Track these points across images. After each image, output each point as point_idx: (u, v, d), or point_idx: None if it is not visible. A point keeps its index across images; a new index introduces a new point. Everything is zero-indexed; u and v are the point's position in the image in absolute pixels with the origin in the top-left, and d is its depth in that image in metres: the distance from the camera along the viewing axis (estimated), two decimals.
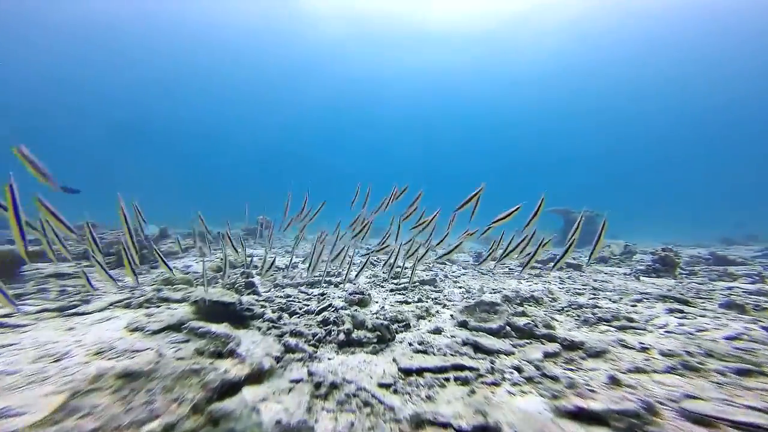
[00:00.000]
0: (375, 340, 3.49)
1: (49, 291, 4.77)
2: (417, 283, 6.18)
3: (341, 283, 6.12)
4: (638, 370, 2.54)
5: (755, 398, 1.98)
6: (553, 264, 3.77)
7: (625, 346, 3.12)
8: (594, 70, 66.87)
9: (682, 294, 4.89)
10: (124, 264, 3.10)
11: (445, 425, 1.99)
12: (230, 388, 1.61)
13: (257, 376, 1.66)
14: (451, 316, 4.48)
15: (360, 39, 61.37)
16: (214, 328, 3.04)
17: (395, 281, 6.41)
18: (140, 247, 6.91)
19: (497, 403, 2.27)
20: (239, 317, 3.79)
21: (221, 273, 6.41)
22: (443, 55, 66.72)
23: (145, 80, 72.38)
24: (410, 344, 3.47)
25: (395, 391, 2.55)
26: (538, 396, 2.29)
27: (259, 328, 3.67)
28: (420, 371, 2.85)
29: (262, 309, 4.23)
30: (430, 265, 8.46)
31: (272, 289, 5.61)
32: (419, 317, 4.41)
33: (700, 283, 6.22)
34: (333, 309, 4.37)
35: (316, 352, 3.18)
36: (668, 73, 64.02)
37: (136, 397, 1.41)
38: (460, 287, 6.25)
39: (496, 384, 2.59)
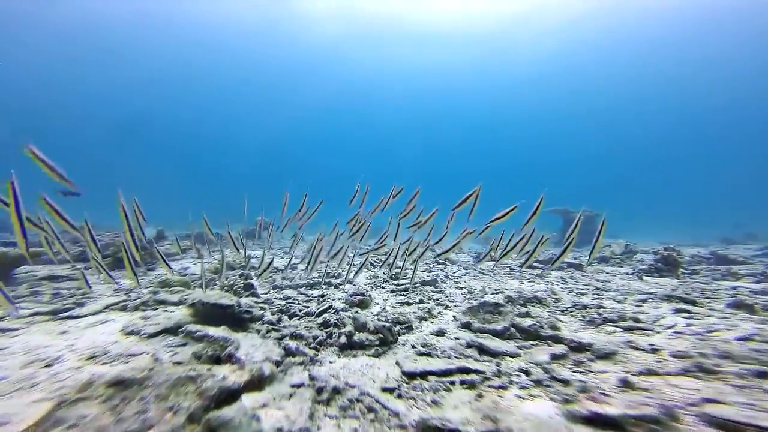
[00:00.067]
0: (377, 343, 3.40)
1: (43, 294, 4.66)
2: (418, 284, 6.10)
3: (341, 285, 6.04)
4: (650, 373, 2.46)
5: None
6: (551, 262, 3.71)
7: (634, 348, 3.04)
8: (594, 71, 67.06)
9: (688, 294, 4.82)
10: (125, 264, 3.05)
11: None
12: (229, 395, 1.52)
13: (257, 383, 1.58)
14: (454, 317, 4.40)
15: (358, 39, 61.36)
16: (212, 331, 2.95)
17: (396, 282, 6.32)
18: (140, 248, 6.79)
19: (506, 407, 2.19)
20: (238, 320, 3.70)
21: (219, 274, 6.31)
22: (443, 55, 66.79)
23: (143, 81, 72.24)
24: (413, 347, 3.39)
25: (399, 396, 2.46)
26: (548, 400, 2.21)
27: (259, 331, 3.58)
28: (424, 374, 2.77)
29: (261, 311, 4.14)
30: (431, 266, 8.38)
31: (271, 291, 5.52)
32: (421, 319, 4.33)
33: (704, 283, 6.16)
34: (333, 311, 4.29)
35: (317, 355, 3.09)
36: (668, 73, 64.23)
37: (128, 407, 1.32)
38: (462, 288, 6.17)
39: (503, 387, 2.51)
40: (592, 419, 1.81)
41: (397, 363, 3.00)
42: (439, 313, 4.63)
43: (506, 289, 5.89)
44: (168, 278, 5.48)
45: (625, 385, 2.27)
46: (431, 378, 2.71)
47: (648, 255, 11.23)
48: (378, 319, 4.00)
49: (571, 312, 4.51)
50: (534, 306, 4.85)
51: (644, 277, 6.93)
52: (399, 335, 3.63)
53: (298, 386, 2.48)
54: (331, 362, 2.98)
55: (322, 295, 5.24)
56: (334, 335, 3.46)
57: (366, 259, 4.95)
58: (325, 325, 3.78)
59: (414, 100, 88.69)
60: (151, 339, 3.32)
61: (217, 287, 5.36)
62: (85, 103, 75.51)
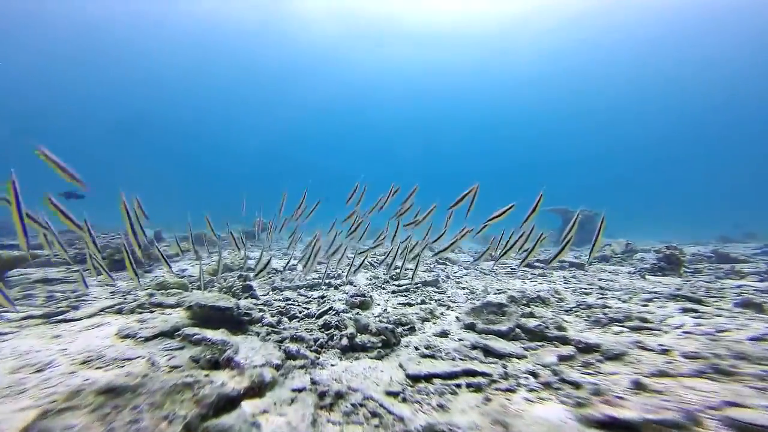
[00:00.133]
0: (380, 345, 3.33)
1: (36, 297, 4.56)
2: (419, 285, 6.02)
3: (341, 285, 5.96)
4: (663, 374, 2.38)
5: None
6: (549, 260, 3.71)
7: (644, 348, 2.97)
8: (594, 70, 67.16)
9: (694, 293, 4.76)
10: (126, 263, 3.01)
11: None
12: (228, 402, 1.44)
13: (258, 389, 1.49)
14: (457, 318, 4.32)
15: (357, 39, 61.33)
16: (210, 334, 2.86)
17: (396, 282, 6.25)
18: (131, 252, 6.70)
19: (516, 411, 2.11)
20: (237, 322, 3.61)
21: (217, 275, 6.22)
22: (443, 55, 66.77)
23: (142, 82, 72.08)
24: (416, 348, 3.31)
25: (404, 400, 2.38)
26: (559, 403, 2.13)
27: (258, 334, 3.50)
28: (429, 377, 2.69)
29: (261, 313, 4.06)
30: (432, 266, 8.31)
31: (270, 293, 5.43)
32: (424, 320, 4.26)
33: (708, 282, 6.10)
34: (334, 312, 4.21)
35: (319, 358, 3.02)
36: (668, 73, 64.36)
37: (120, 416, 1.23)
38: (464, 288, 6.09)
39: (511, 390, 2.43)
40: (607, 424, 1.74)
41: (401, 365, 2.92)
42: (442, 313, 4.56)
43: (508, 289, 5.82)
44: (165, 280, 5.39)
45: (638, 387, 2.20)
46: (436, 381, 2.63)
47: (648, 254, 11.20)
48: (380, 321, 3.92)
49: (576, 312, 4.44)
50: (537, 306, 4.78)
51: (647, 276, 6.87)
52: (401, 337, 3.56)
53: (300, 390, 2.40)
54: (332, 365, 2.90)
55: (322, 297, 5.16)
56: (335, 337, 3.39)
57: (365, 257, 4.88)
58: (325, 327, 3.70)
59: (413, 101, 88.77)
60: (148, 342, 3.23)
61: (216, 289, 5.27)
62: (84, 104, 75.35)
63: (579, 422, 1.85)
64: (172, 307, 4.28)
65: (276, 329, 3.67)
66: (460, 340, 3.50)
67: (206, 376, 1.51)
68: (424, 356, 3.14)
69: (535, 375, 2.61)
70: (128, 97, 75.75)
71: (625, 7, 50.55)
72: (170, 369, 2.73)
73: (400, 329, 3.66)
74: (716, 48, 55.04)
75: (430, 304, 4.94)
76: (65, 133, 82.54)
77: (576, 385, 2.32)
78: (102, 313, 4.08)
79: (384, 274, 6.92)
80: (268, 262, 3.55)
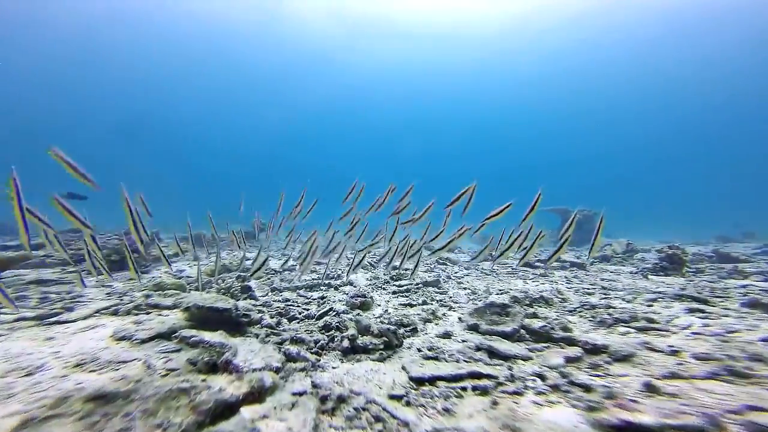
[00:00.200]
0: (382, 347, 3.25)
1: (30, 298, 4.46)
2: (420, 285, 5.95)
3: (341, 286, 5.88)
4: (674, 376, 2.32)
5: None
6: (548, 258, 3.71)
7: (652, 349, 2.90)
8: (594, 70, 67.18)
9: (699, 293, 4.70)
10: (127, 259, 2.96)
11: None
12: (226, 408, 1.36)
13: (258, 395, 1.42)
14: (459, 318, 4.25)
15: (355, 40, 61.17)
16: (208, 336, 2.78)
17: (397, 283, 6.17)
18: (132, 251, 6.60)
19: (524, 415, 2.04)
20: (235, 324, 3.53)
21: (215, 276, 6.13)
22: (443, 55, 66.69)
23: (141, 83, 71.85)
24: (419, 350, 3.24)
25: (408, 404, 2.31)
26: (569, 407, 2.06)
27: (257, 335, 3.42)
28: (433, 380, 2.62)
29: (260, 314, 3.98)
30: (432, 266, 8.24)
31: (269, 293, 5.35)
32: (426, 321, 4.19)
33: (711, 282, 6.05)
34: (334, 313, 4.14)
35: (319, 360, 2.94)
36: (668, 72, 64.43)
37: (109, 424, 1.15)
38: (465, 288, 6.03)
39: (518, 393, 2.36)
40: (623, 429, 1.66)
41: (404, 368, 2.85)
42: (444, 314, 4.49)
43: (510, 289, 5.75)
44: (163, 281, 5.30)
45: (650, 389, 2.13)
46: (441, 384, 2.56)
47: (649, 254, 11.16)
48: (381, 322, 3.85)
49: (580, 312, 4.37)
50: (540, 306, 4.72)
51: (650, 276, 6.82)
52: (404, 338, 3.49)
53: (301, 394, 2.32)
54: (334, 368, 2.82)
55: (322, 297, 5.09)
56: (336, 339, 3.31)
57: (364, 255, 4.82)
58: (326, 328, 3.63)
59: (413, 101, 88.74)
60: (144, 345, 3.15)
61: (214, 290, 5.18)
62: (84, 105, 75.09)
63: (592, 427, 1.78)
64: (169, 308, 4.19)
65: (275, 331, 3.59)
66: (463, 341, 3.43)
67: (203, 381, 1.43)
68: (428, 358, 3.07)
69: (542, 377, 2.54)
70: (128, 98, 75.60)
71: (624, 7, 50.56)
72: (167, 372, 2.65)
73: (402, 330, 3.59)
74: (716, 48, 55.09)
75: (432, 304, 4.87)
76: (65, 133, 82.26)
77: (586, 388, 2.25)
78: (97, 314, 3.99)
79: (384, 274, 6.85)
80: (265, 260, 3.47)
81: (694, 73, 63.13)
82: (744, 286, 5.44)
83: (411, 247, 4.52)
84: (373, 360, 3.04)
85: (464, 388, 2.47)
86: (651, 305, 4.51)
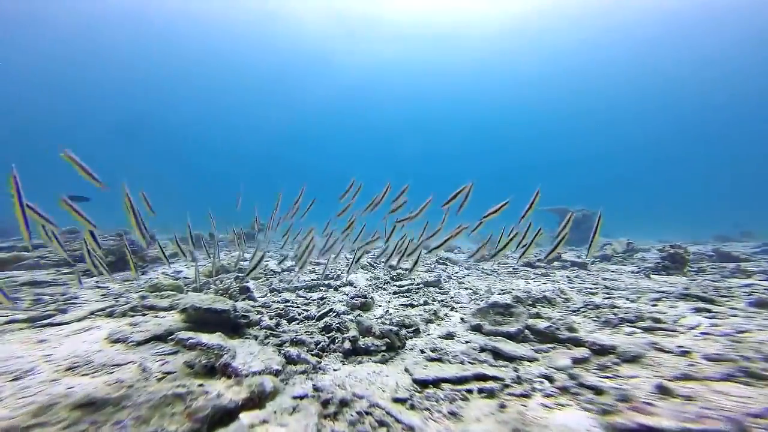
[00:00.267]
0: (384, 348, 3.18)
1: (23, 300, 4.36)
2: (421, 285, 5.88)
3: (341, 287, 5.80)
4: (687, 378, 2.25)
5: None
6: (546, 255, 3.72)
7: (661, 350, 2.84)
8: (594, 71, 67.24)
9: (705, 292, 4.65)
10: (127, 256, 2.98)
11: None
12: (225, 415, 1.28)
13: (258, 401, 1.34)
14: (462, 319, 4.19)
15: (355, 40, 61.02)
16: (206, 338, 2.70)
17: (398, 283, 6.10)
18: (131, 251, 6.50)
19: (534, 418, 1.97)
20: (234, 325, 3.45)
21: (213, 276, 6.05)
22: (443, 56, 66.62)
23: (141, 83, 71.60)
24: (422, 351, 3.17)
25: (412, 407, 2.24)
26: (581, 410, 1.99)
27: (256, 337, 3.34)
28: (437, 382, 2.55)
29: (259, 315, 3.90)
30: (432, 266, 8.17)
31: (268, 294, 5.26)
32: (427, 321, 4.12)
33: (714, 281, 6.00)
34: (335, 314, 4.06)
35: (320, 362, 2.86)
36: (667, 73, 64.52)
37: None
38: (466, 288, 5.96)
39: (526, 396, 2.29)
40: None
41: (407, 370, 2.78)
42: (446, 315, 4.43)
43: (512, 289, 5.68)
44: (159, 282, 5.20)
45: (662, 391, 2.06)
46: (445, 386, 2.49)
47: (648, 253, 11.12)
48: (382, 323, 3.78)
49: (584, 312, 4.31)
50: (543, 306, 4.65)
51: (652, 276, 6.77)
52: (406, 339, 3.41)
53: (302, 398, 2.25)
54: (335, 370, 2.75)
55: (322, 298, 5.01)
56: (337, 340, 3.24)
57: (362, 252, 4.76)
58: (326, 329, 3.56)
59: (413, 101, 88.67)
60: (139, 347, 3.06)
61: (212, 291, 5.09)
62: (84, 106, 74.76)
63: (606, 431, 1.71)
64: (165, 309, 4.10)
65: (275, 332, 3.51)
66: (467, 342, 3.36)
67: (200, 385, 1.35)
68: (431, 360, 2.99)
69: (550, 379, 2.47)
70: (128, 98, 75.30)
71: (624, 7, 50.57)
72: (163, 375, 2.56)
73: (404, 331, 3.51)
74: (715, 47, 55.16)
75: (433, 305, 4.81)
76: (65, 134, 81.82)
77: (597, 390, 2.18)
78: (92, 316, 3.90)
79: (384, 274, 6.77)
80: (261, 258, 3.39)
81: (693, 72, 63.25)
82: (748, 285, 5.39)
83: (409, 245, 4.46)
84: (376, 362, 2.97)
85: (470, 391, 2.40)
86: (656, 305, 4.45)
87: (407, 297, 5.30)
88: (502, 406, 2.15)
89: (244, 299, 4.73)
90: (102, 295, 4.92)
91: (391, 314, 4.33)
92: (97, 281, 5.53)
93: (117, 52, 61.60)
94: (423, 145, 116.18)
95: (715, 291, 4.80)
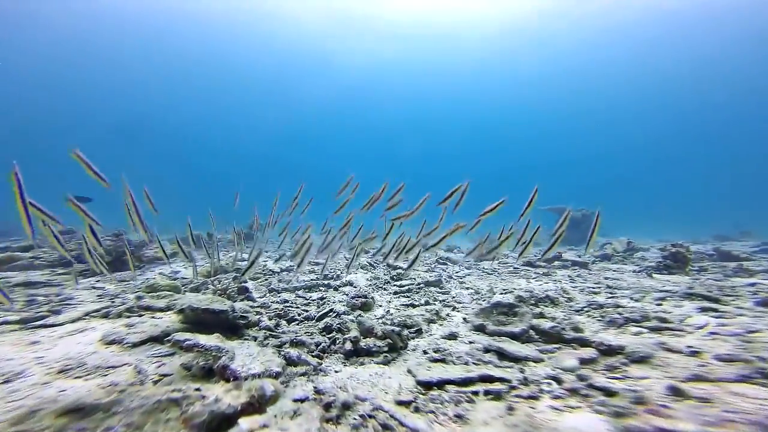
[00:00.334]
0: (386, 349, 3.11)
1: (16, 301, 4.26)
2: (422, 285, 5.81)
3: (341, 286, 5.73)
4: (700, 379, 2.18)
5: None
6: (544, 253, 3.69)
7: (670, 350, 2.77)
8: (594, 70, 67.22)
9: (710, 291, 4.59)
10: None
11: None
12: (223, 420, 1.21)
13: (258, 405, 1.27)
14: (464, 319, 4.12)
15: (355, 41, 60.88)
16: (203, 340, 2.63)
17: (398, 283, 6.03)
18: (123, 252, 6.43)
19: (544, 421, 1.90)
20: (232, 326, 3.37)
21: (211, 276, 5.96)
22: (442, 56, 66.52)
23: (139, 83, 71.32)
24: (425, 352, 3.11)
25: (417, 410, 2.17)
26: (592, 412, 1.92)
27: (255, 338, 3.26)
28: (441, 384, 2.48)
29: (258, 316, 3.82)
30: (432, 266, 8.10)
31: (267, 295, 5.19)
32: (429, 321, 4.05)
33: (717, 280, 5.95)
34: (335, 314, 3.99)
35: (321, 364, 2.79)
36: (667, 72, 64.51)
37: None
38: (468, 288, 5.89)
39: (534, 397, 2.22)
40: None
41: (410, 371, 2.71)
42: (448, 315, 4.37)
43: (514, 289, 5.62)
44: (156, 282, 5.12)
45: (676, 393, 2.00)
46: (450, 388, 2.42)
47: (648, 252, 11.08)
48: (383, 323, 3.71)
49: (588, 312, 4.25)
50: (547, 306, 4.59)
51: (654, 275, 6.72)
52: (408, 340, 3.34)
53: (303, 401, 2.17)
54: (336, 372, 2.68)
55: (322, 298, 4.94)
56: (338, 341, 3.16)
57: (359, 250, 4.71)
58: (327, 330, 3.48)
59: (413, 102, 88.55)
60: (135, 349, 2.98)
61: (210, 291, 5.01)
62: (83, 106, 74.46)
63: None
64: (162, 310, 4.02)
65: (274, 333, 3.44)
66: (470, 342, 3.30)
67: (197, 390, 1.28)
68: (434, 361, 2.93)
69: (558, 380, 2.41)
70: (128, 98, 74.95)
71: (624, 7, 50.52)
72: (159, 377, 2.49)
73: (406, 332, 3.43)
74: (715, 47, 55.16)
75: (435, 304, 4.74)
76: (65, 134, 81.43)
77: (607, 392, 2.12)
78: (87, 317, 3.81)
79: (384, 274, 6.70)
80: (258, 256, 3.33)
81: (692, 72, 63.25)
82: (752, 284, 5.34)
83: (407, 243, 4.41)
84: (378, 363, 2.91)
85: (476, 393, 2.33)
86: (660, 304, 4.39)
87: (408, 297, 5.23)
88: (510, 409, 2.08)
89: (242, 299, 4.65)
90: (98, 295, 4.83)
91: (392, 314, 4.27)
92: (97, 280, 5.44)
93: (116, 53, 61.34)
94: (423, 145, 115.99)
95: (720, 290, 4.75)
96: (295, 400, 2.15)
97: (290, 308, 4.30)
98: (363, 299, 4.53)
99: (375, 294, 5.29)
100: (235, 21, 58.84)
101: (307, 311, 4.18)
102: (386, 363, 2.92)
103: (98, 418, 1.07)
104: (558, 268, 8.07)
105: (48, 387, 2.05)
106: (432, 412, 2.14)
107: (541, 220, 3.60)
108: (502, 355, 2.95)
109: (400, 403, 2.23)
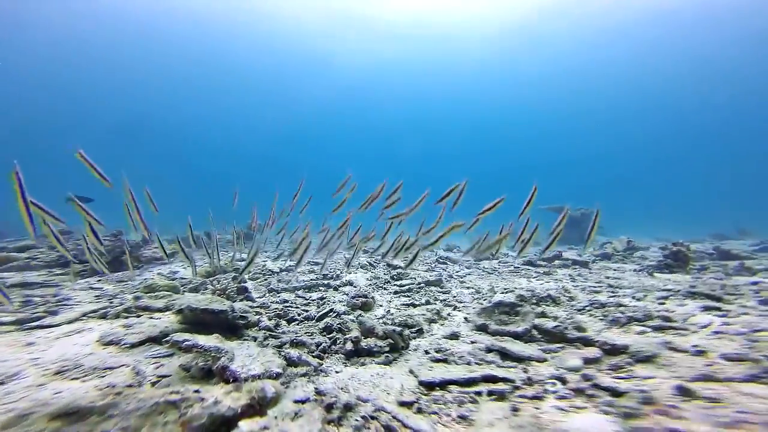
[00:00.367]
0: (387, 349, 3.08)
1: (11, 302, 4.21)
2: (422, 284, 5.78)
3: (341, 286, 5.69)
4: (708, 379, 2.15)
5: None
6: (542, 250, 3.86)
7: (675, 349, 2.74)
8: (594, 70, 67.14)
9: (713, 290, 4.57)
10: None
11: None
12: (222, 423, 1.17)
13: (258, 407, 1.23)
14: (466, 318, 4.09)
15: (355, 39, 60.79)
16: (202, 340, 2.59)
17: (398, 283, 6.00)
18: (121, 252, 6.38)
19: (550, 422, 1.86)
20: (232, 326, 3.33)
21: (210, 276, 5.92)
22: (442, 56, 66.42)
23: (139, 84, 71.12)
24: (426, 352, 3.08)
25: (420, 411, 2.14)
26: (600, 413, 1.88)
27: (255, 338, 3.23)
28: (444, 384, 2.45)
29: (257, 316, 3.79)
30: (433, 266, 8.07)
31: (267, 295, 5.15)
32: (430, 321, 4.02)
33: (719, 279, 5.92)
34: (335, 314, 3.95)
35: (322, 364, 2.76)
36: (668, 72, 64.49)
37: None
38: (468, 287, 5.86)
39: (538, 398, 2.19)
40: None
41: (412, 371, 2.68)
42: (449, 314, 4.34)
43: (515, 288, 5.59)
44: (154, 282, 5.07)
45: (684, 393, 1.97)
46: (453, 388, 2.39)
47: (648, 251, 11.06)
48: (384, 323, 3.67)
49: (589, 311, 4.22)
50: (548, 305, 4.56)
51: (655, 274, 6.69)
52: (410, 340, 3.31)
53: (303, 402, 2.14)
54: (337, 372, 2.65)
55: (322, 298, 4.90)
56: (338, 341, 3.13)
57: (358, 248, 4.68)
58: (327, 330, 3.45)
59: (413, 101, 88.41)
60: (133, 349, 2.94)
61: (209, 291, 4.97)
62: (83, 106, 74.24)
63: None
64: (160, 310, 3.98)
65: (274, 333, 3.40)
66: (473, 342, 3.26)
67: (196, 391, 1.24)
68: (436, 360, 2.90)
69: (562, 380, 2.37)
70: (128, 99, 74.66)
71: (624, 7, 50.45)
72: (158, 378, 2.45)
73: (407, 331, 3.40)
74: (715, 46, 55.08)
75: (435, 304, 4.71)
76: (65, 134, 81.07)
77: (614, 392, 2.08)
78: (84, 318, 3.77)
79: (384, 274, 6.66)
80: (255, 254, 3.29)
81: (692, 71, 63.21)
82: (755, 283, 5.32)
83: (405, 242, 4.38)
84: (379, 363, 2.87)
85: (479, 393, 2.30)
86: (663, 303, 4.36)
87: (408, 296, 5.20)
88: (515, 409, 2.05)
89: (242, 300, 4.61)
90: (95, 296, 4.78)
91: (392, 314, 4.23)
92: (98, 280, 5.39)
93: (116, 53, 61.11)
94: (423, 145, 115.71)
95: (722, 289, 4.72)
96: (296, 402, 2.12)
97: (290, 308, 4.27)
98: (363, 299, 4.50)
99: (375, 294, 5.25)
100: (235, 21, 58.68)
101: (307, 311, 4.14)
102: (388, 363, 2.88)
103: (93, 422, 1.03)
104: (558, 267, 8.05)
105: (43, 389, 2.01)
106: (435, 413, 2.10)
107: (540, 220, 3.59)
108: (505, 354, 2.91)
109: (402, 404, 2.20)
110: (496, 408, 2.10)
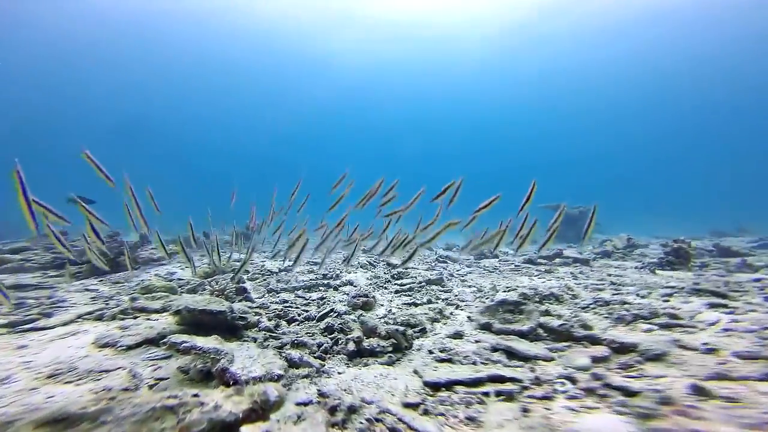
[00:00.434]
0: (390, 349, 3.02)
1: (3, 304, 4.11)
2: (423, 283, 5.71)
3: (341, 286, 5.62)
4: (722, 377, 2.09)
5: None
6: (539, 248, 3.74)
7: (684, 347, 2.68)
8: (594, 70, 67.13)
9: (717, 287, 4.52)
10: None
11: None
12: (223, 429, 1.10)
13: (261, 412, 1.17)
14: (469, 317, 4.03)
15: (355, 40, 60.63)
16: (201, 342, 2.51)
17: (399, 282, 5.93)
18: (118, 253, 6.29)
19: (561, 423, 1.80)
20: (231, 327, 3.26)
21: (208, 277, 5.84)
22: (443, 55, 66.30)
23: (139, 84, 70.80)
24: (430, 352, 3.01)
25: (426, 412, 2.07)
26: (613, 414, 1.82)
27: (255, 339, 3.15)
28: (450, 385, 2.39)
29: (257, 317, 3.71)
30: (433, 264, 8.01)
31: (266, 295, 5.07)
32: (433, 320, 3.96)
33: (721, 276, 5.88)
34: (336, 314, 3.89)
35: (324, 365, 2.69)
36: (667, 71, 64.55)
37: None
38: (470, 286, 5.80)
39: (548, 398, 2.13)
40: None
41: (416, 372, 2.62)
42: (451, 313, 4.28)
43: (518, 287, 5.54)
44: (152, 283, 4.99)
45: (699, 392, 1.91)
46: (459, 389, 2.33)
47: (648, 249, 11.03)
48: (386, 322, 3.61)
49: (594, 309, 4.16)
50: (551, 303, 4.50)
51: (657, 271, 6.65)
52: (413, 339, 3.24)
53: (306, 404, 2.07)
54: (340, 373, 2.58)
55: (322, 298, 4.83)
56: (340, 342, 3.06)
57: (357, 246, 4.63)
58: (328, 330, 3.38)
59: (413, 101, 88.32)
60: (130, 352, 2.87)
61: (207, 292, 4.89)
62: (83, 107, 73.86)
63: None
64: (158, 312, 3.89)
65: (274, 334, 3.33)
66: (477, 341, 3.20)
67: (194, 396, 1.17)
68: (441, 360, 2.83)
69: (571, 380, 2.31)
70: (128, 99, 74.29)
71: (624, 6, 50.44)
72: (155, 381, 2.38)
73: (410, 331, 3.33)
74: (715, 45, 55.13)
75: (438, 303, 4.65)
76: (65, 134, 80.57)
77: (626, 392, 2.02)
78: (79, 320, 3.68)
79: (384, 273, 6.59)
80: (251, 253, 3.24)
81: (692, 70, 63.27)
82: (758, 280, 5.28)
83: (402, 239, 4.33)
84: (382, 364, 2.81)
85: (486, 393, 2.24)
86: (668, 300, 4.31)
87: (410, 296, 5.13)
88: (525, 410, 1.99)
89: (240, 300, 4.53)
90: (91, 297, 4.69)
91: (394, 314, 4.17)
92: (100, 280, 5.30)
93: (116, 53, 60.77)
94: (423, 145, 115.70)
95: (726, 286, 4.68)
96: (299, 404, 2.05)
97: (290, 308, 4.19)
98: (364, 298, 4.43)
99: (376, 293, 5.18)
100: (235, 21, 58.44)
101: (307, 311, 4.07)
102: (391, 363, 2.82)
103: (83, 429, 0.96)
104: (559, 265, 8.00)
105: (35, 393, 1.93)
106: (442, 414, 2.04)
107: (539, 218, 3.55)
108: (511, 354, 2.85)
109: (407, 405, 2.13)
110: (505, 409, 2.04)
